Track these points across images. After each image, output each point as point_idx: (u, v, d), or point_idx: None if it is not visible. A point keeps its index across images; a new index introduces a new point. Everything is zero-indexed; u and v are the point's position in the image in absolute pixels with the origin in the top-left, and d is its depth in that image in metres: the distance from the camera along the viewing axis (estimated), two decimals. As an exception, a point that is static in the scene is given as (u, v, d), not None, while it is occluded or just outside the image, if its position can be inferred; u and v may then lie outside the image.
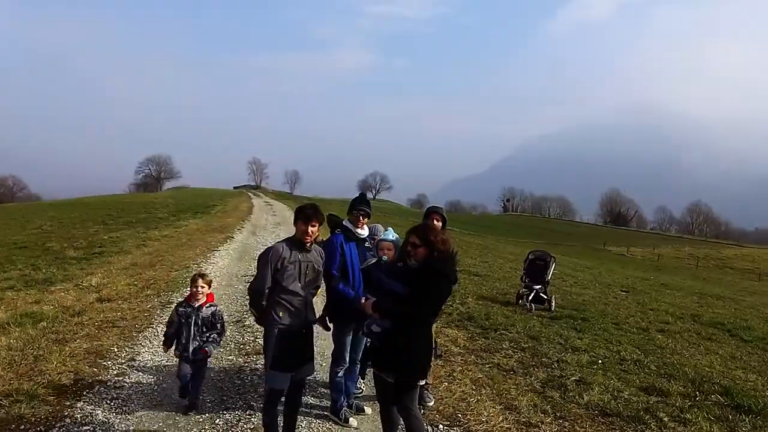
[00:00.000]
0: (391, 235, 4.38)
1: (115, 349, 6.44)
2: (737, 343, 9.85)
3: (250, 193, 70.64)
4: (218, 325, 5.08)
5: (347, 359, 4.83)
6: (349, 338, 4.83)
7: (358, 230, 4.89)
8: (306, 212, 4.12)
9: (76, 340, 6.74)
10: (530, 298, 10.31)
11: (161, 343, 5.42)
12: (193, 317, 4.97)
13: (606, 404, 5.35)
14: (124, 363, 6.02)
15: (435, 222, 5.22)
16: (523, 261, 11.50)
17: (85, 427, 4.45)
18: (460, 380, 5.79)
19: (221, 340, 5.22)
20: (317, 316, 4.40)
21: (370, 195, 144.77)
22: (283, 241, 4.25)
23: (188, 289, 5.49)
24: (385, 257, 4.12)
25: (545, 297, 10.51)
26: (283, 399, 4.16)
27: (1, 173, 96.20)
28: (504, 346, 7.29)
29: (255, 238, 19.59)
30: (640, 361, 7.24)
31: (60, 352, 6.23)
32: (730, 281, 40.99)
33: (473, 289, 11.89)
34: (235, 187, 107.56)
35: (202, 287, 5.05)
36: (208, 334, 5.00)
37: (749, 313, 15.23)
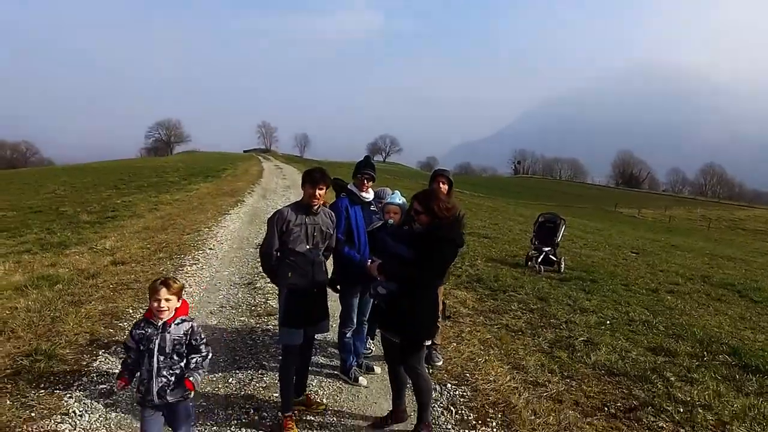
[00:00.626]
0: (398, 198, 4.34)
1: (130, 311, 6.56)
2: (747, 303, 9.82)
3: (260, 157, 70.63)
4: (201, 347, 3.39)
5: (355, 320, 4.88)
6: (356, 300, 4.86)
7: (363, 194, 4.86)
8: (314, 176, 4.13)
9: (91, 302, 6.86)
10: (539, 260, 10.30)
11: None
12: (156, 340, 3.25)
13: (613, 364, 5.39)
14: (139, 324, 6.13)
15: (441, 185, 5.16)
16: (533, 223, 11.45)
17: (101, 386, 4.57)
18: (469, 341, 5.84)
19: (207, 363, 3.47)
20: (328, 278, 4.42)
21: (379, 158, 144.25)
22: (290, 205, 4.25)
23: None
24: (391, 220, 4.10)
25: (554, 259, 10.50)
26: None
27: (14, 139, 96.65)
28: (513, 307, 7.32)
29: (265, 201, 19.64)
30: (648, 321, 7.25)
31: (76, 313, 6.36)
32: (742, 242, 40.67)
33: (482, 252, 11.90)
34: (245, 151, 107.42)
35: (167, 300, 3.25)
36: (188, 360, 3.36)
37: (760, 274, 15.14)
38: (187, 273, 8.53)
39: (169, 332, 3.27)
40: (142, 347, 3.26)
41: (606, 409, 4.47)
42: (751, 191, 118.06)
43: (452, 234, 3.82)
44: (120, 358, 5.12)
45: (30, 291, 7.65)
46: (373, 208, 4.95)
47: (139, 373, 3.31)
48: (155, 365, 3.24)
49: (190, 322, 3.37)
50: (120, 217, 16.00)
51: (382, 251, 3.97)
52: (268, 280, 4.70)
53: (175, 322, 3.30)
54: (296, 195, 23.21)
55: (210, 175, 35.05)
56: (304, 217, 4.14)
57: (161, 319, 3.27)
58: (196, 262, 9.39)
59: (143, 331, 3.28)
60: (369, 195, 4.91)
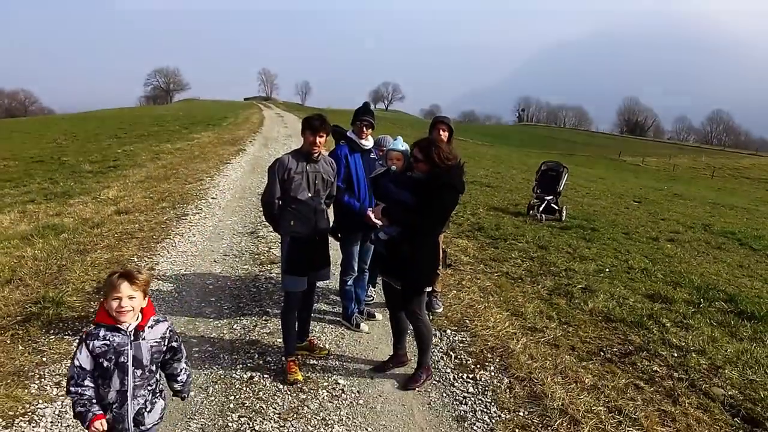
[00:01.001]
0: (401, 144, 4.28)
1: (135, 259, 6.64)
2: (746, 252, 9.89)
3: (260, 105, 69.61)
4: (182, 349, 2.69)
5: (356, 268, 4.93)
6: (357, 248, 4.89)
7: (362, 141, 4.80)
8: (313, 123, 4.07)
9: (96, 251, 6.94)
10: (541, 208, 10.31)
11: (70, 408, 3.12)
12: (129, 352, 2.44)
13: (610, 311, 5.48)
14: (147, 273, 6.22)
15: (441, 132, 5.08)
16: (536, 172, 11.39)
17: (110, 332, 4.67)
18: (469, 288, 5.93)
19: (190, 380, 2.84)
20: (330, 225, 4.43)
21: (381, 106, 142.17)
22: (290, 152, 4.22)
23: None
24: (394, 167, 4.06)
25: (556, 207, 10.51)
26: None
27: (11, 88, 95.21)
28: (513, 255, 7.38)
29: (266, 150, 19.52)
30: (647, 269, 7.32)
31: (82, 262, 6.44)
32: (746, 191, 40.58)
33: (484, 200, 11.90)
34: (245, 99, 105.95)
35: (130, 299, 2.40)
36: (172, 370, 2.68)
37: (761, 223, 15.19)
38: (190, 222, 8.58)
39: (143, 339, 2.48)
40: (106, 363, 2.41)
41: (602, 353, 4.58)
42: (758, 139, 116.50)
43: (452, 181, 3.81)
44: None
45: (36, 240, 7.73)
46: (373, 155, 4.91)
47: (102, 399, 2.45)
48: (130, 384, 2.46)
49: (166, 322, 2.61)
50: (122, 166, 15.96)
51: (384, 197, 3.96)
52: (271, 229, 4.72)
53: (149, 324, 2.51)
54: (297, 143, 23.07)
55: (211, 123, 34.70)
56: (305, 165, 4.11)
57: (125, 322, 2.42)
58: (199, 211, 9.42)
59: (106, 342, 2.41)
60: (368, 142, 4.85)
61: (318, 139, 4.06)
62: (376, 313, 5.19)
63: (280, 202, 4.15)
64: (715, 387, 4.13)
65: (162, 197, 10.63)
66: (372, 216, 4.15)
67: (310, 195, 4.13)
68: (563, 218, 10.42)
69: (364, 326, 4.96)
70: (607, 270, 7.04)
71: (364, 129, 4.77)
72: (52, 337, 4.51)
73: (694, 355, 4.60)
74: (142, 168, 15.48)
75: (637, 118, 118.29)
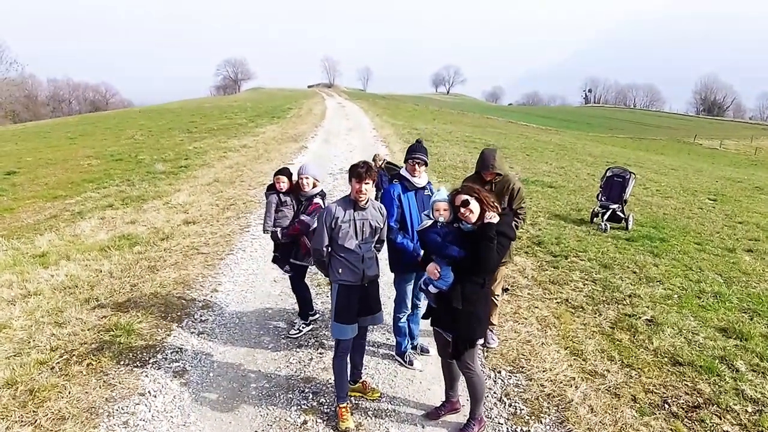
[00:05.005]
0: (444, 194, 4.10)
1: (200, 279, 6.88)
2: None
3: (323, 94, 70.44)
4: None
5: (409, 306, 4.87)
6: (410, 286, 4.82)
7: (415, 179, 4.69)
8: (358, 171, 4.03)
9: (165, 269, 7.25)
10: (605, 217, 9.81)
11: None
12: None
13: (678, 350, 5.12)
14: (208, 294, 6.43)
15: (488, 177, 4.89)
16: (600, 178, 10.82)
17: (175, 363, 4.87)
18: (526, 319, 5.73)
19: None
20: (378, 272, 4.37)
21: (443, 89, 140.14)
22: (338, 200, 4.19)
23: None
24: (441, 218, 3.90)
25: (622, 216, 9.96)
26: None
27: (94, 82, 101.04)
28: (574, 277, 7.07)
29: (328, 147, 19.71)
30: (720, 293, 6.80)
31: (152, 281, 6.75)
32: (838, 178, 37.08)
33: (545, 206, 11.48)
34: (309, 86, 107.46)
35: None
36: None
37: None
38: (252, 235, 8.79)
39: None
40: None
41: (666, 406, 4.29)
42: None
43: (502, 228, 3.66)
44: (192, 333, 5.46)
45: (113, 252, 8.19)
46: (427, 192, 4.79)
47: None
48: None
49: None
50: (192, 166, 16.63)
51: (432, 252, 3.85)
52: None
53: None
54: (359, 139, 23.12)
55: (275, 115, 35.54)
56: (353, 213, 4.08)
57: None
58: (261, 222, 9.64)
59: None
60: (421, 180, 4.73)
61: (364, 186, 4.02)
62: (429, 348, 5.11)
63: (329, 249, 4.14)
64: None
65: (227, 205, 10.97)
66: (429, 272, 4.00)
67: (357, 242, 4.10)
68: (630, 227, 9.88)
69: (417, 363, 4.91)
70: (676, 296, 6.60)
71: (417, 167, 4.66)
72: (123, 369, 4.74)
73: (771, 410, 4.23)
74: (211, 168, 16.06)
75: (715, 96, 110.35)
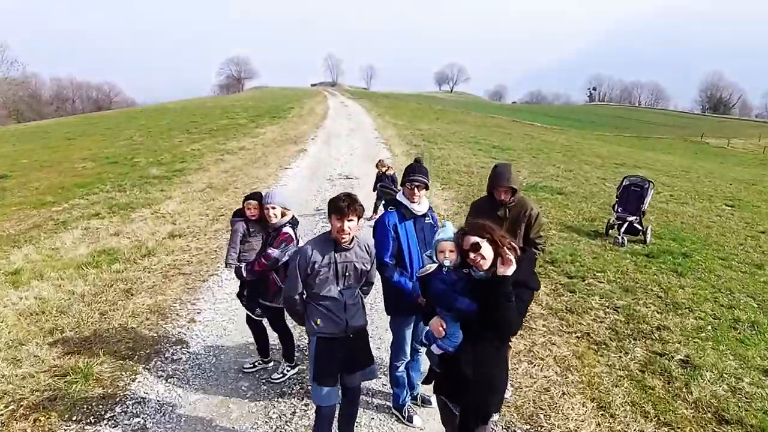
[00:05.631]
0: (450, 230, 3.33)
1: (177, 306, 6.16)
2: None
3: (326, 93, 69.66)
4: None
5: (408, 353, 4.12)
6: (410, 331, 4.08)
7: (414, 205, 3.91)
8: (338, 206, 3.23)
9: (141, 293, 6.54)
10: (622, 230, 9.04)
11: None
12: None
13: (722, 403, 4.36)
14: (184, 325, 5.71)
15: (503, 195, 4.16)
16: (617, 188, 10.03)
17: (135, 419, 4.14)
18: (543, 360, 4.98)
19: None
20: (365, 321, 3.62)
21: (446, 87, 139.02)
22: (314, 239, 3.43)
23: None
24: (448, 261, 3.15)
25: (640, 228, 9.18)
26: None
27: (97, 81, 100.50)
28: (594, 303, 6.30)
29: (328, 149, 18.99)
30: (757, 323, 6.03)
31: (124, 309, 6.04)
32: None
33: (556, 215, 10.70)
34: (312, 85, 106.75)
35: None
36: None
37: None
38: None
39: None
40: None
41: (718, 482, 3.56)
42: None
43: (523, 277, 2.91)
44: (159, 377, 4.73)
45: (89, 271, 7.50)
46: (428, 220, 4.04)
47: None
48: None
49: None
50: (187, 170, 15.96)
51: (437, 304, 3.12)
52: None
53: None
54: (361, 140, 22.37)
55: (277, 115, 34.85)
56: (333, 255, 3.33)
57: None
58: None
59: None
60: (422, 206, 3.98)
61: (347, 224, 3.25)
62: (431, 399, 4.38)
63: (305, 296, 3.41)
64: None
65: (217, 215, 10.25)
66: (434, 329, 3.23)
67: (339, 288, 3.36)
68: (648, 241, 9.11)
69: (417, 419, 4.16)
70: (710, 328, 5.83)
71: (416, 191, 3.89)
72: (73, 427, 4.03)
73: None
74: (206, 173, 15.39)
75: (721, 94, 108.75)
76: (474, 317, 2.95)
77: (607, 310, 6.15)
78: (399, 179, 11.78)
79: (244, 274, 4.51)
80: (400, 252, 3.88)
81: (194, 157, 18.73)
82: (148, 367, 4.86)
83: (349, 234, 3.29)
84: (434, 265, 3.15)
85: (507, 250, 2.93)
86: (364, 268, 3.45)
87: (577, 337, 5.46)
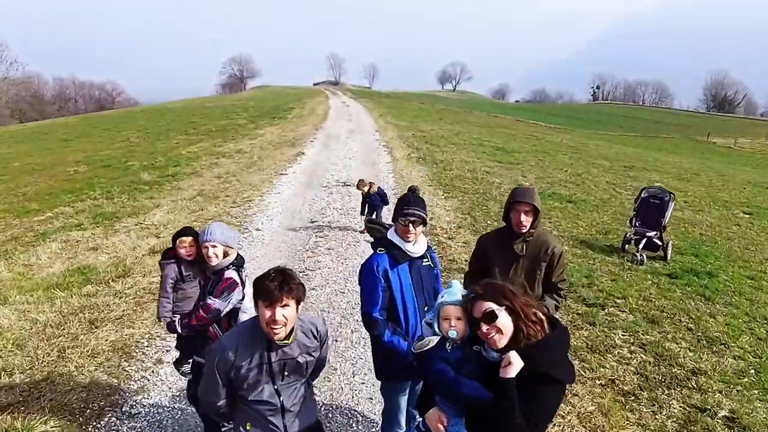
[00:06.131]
0: (458, 292, 2.43)
1: (144, 343, 5.41)
2: None
3: (328, 92, 68.90)
4: None
5: (403, 424, 3.37)
6: (405, 398, 3.32)
7: (409, 245, 3.14)
8: (266, 288, 2.34)
9: (107, 324, 5.80)
10: (641, 246, 8.24)
11: None
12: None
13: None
14: (149, 368, 4.96)
15: (524, 217, 3.38)
16: (634, 200, 9.21)
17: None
18: (564, 417, 4.20)
19: None
20: (315, 420, 2.77)
21: (449, 86, 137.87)
22: (237, 332, 2.60)
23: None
24: (453, 332, 2.35)
25: (660, 244, 8.39)
26: None
27: (100, 80, 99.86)
28: (617, 339, 5.51)
29: (326, 152, 18.22)
30: (805, 362, 5.26)
31: (84, 346, 5.31)
32: None
33: (567, 228, 9.90)
34: (315, 84, 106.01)
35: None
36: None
37: None
38: (224, 271, 7.34)
39: None
40: None
41: None
42: None
43: (552, 368, 2.15)
44: (112, 437, 3.99)
45: (58, 294, 6.80)
46: (426, 262, 3.28)
47: None
48: None
49: None
50: (179, 175, 15.26)
51: (437, 389, 2.37)
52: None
53: None
54: (360, 143, 21.57)
55: (277, 116, 34.17)
56: (264, 354, 2.47)
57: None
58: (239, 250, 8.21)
59: None
60: (418, 247, 3.19)
61: (279, 314, 2.35)
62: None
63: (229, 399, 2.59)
64: None
65: (202, 229, 9.52)
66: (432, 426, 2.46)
67: (275, 388, 2.53)
68: (669, 257, 8.32)
69: (415, 504, 3.42)
70: (752, 371, 5.05)
71: (411, 227, 3.11)
72: None
73: None
74: (198, 178, 14.68)
75: (726, 92, 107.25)
76: (484, 409, 2.21)
77: (633, 347, 5.37)
78: (388, 193, 11.04)
79: (179, 329, 3.62)
80: (392, 304, 3.12)
81: (189, 161, 18.03)
82: (99, 424, 4.12)
83: (283, 327, 2.40)
84: (435, 338, 2.39)
85: (529, 325, 2.18)
86: (310, 359, 2.60)
87: (601, 385, 4.68)
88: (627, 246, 8.62)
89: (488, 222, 9.62)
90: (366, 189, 8.88)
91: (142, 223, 10.30)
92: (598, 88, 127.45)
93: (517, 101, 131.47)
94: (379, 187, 9.02)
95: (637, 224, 8.54)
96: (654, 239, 8.31)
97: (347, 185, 12.85)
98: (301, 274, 7.21)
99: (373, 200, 8.81)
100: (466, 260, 7.17)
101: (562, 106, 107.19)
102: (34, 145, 30.42)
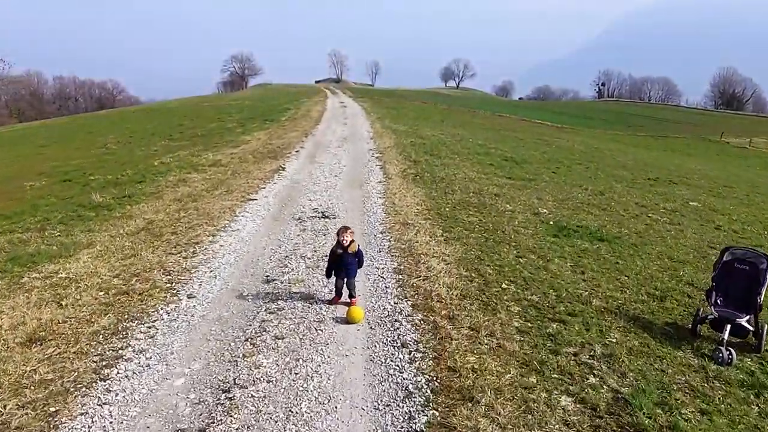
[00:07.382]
0: None
1: None
2: None
3: (328, 90, 66.24)
4: None
5: None
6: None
7: None
8: None
9: None
10: (726, 335, 5.62)
11: None
12: None
13: None
14: None
15: None
16: (713, 265, 6.53)
17: None
18: None
19: None
20: None
21: (452, 84, 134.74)
22: None
23: None
24: None
25: (750, 329, 5.78)
26: None
27: (100, 79, 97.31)
28: None
29: (310, 167, 15.61)
30: None
31: None
32: None
33: (609, 292, 7.16)
34: (316, 82, 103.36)
35: None
36: None
37: None
38: (124, 374, 4.75)
39: None
40: None
41: None
42: None
43: None
44: None
45: None
46: None
47: None
48: None
49: None
50: (137, 196, 12.73)
51: None
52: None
53: None
54: (351, 153, 18.77)
55: (269, 118, 31.75)
56: None
57: None
58: (150, 339, 5.63)
59: None
60: None
61: None
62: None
63: None
64: None
65: (118, 294, 6.91)
66: None
67: None
68: (762, 347, 5.73)
69: None
70: None
71: None
72: None
73: None
74: (157, 200, 12.15)
75: (734, 89, 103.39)
76: None
77: None
78: (374, 232, 8.37)
79: None
80: None
81: (157, 175, 15.57)
82: None
83: None
84: None
85: None
86: None
87: None
88: (698, 327, 6.02)
89: (503, 285, 6.96)
90: (347, 243, 6.26)
91: (55, 276, 7.81)
92: (603, 85, 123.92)
93: (520, 98, 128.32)
94: (359, 245, 6.42)
95: (719, 301, 5.90)
96: (743, 323, 5.69)
97: (326, 217, 10.27)
98: (217, 401, 4.59)
99: (346, 260, 6.23)
100: (477, 372, 4.61)
101: (567, 103, 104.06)
102: (8, 152, 28.10)
